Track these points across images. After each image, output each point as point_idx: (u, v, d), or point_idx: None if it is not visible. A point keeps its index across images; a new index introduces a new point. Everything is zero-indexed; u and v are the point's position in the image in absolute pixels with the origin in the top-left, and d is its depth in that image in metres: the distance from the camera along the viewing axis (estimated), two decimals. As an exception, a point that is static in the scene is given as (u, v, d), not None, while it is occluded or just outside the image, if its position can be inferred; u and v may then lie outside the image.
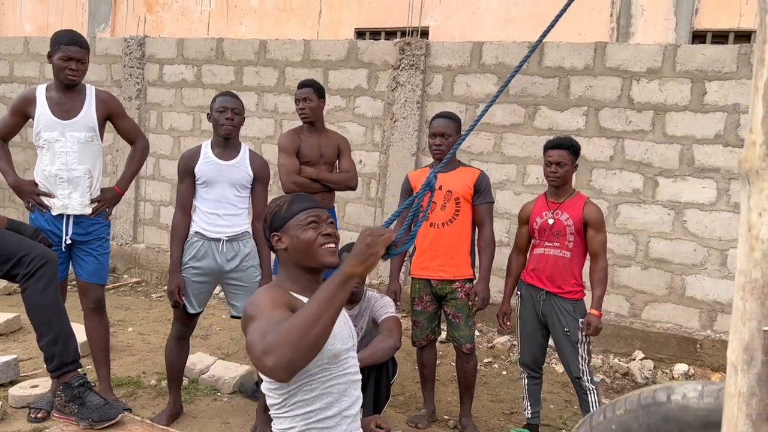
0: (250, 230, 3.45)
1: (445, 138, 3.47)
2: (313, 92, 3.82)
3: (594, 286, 3.30)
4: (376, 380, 3.17)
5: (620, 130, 4.94)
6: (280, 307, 1.65)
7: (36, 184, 3.34)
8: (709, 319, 4.78)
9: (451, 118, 3.56)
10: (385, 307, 3.34)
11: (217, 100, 3.42)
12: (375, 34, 6.08)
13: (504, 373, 4.61)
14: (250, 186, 3.46)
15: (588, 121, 5.02)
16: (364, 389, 3.16)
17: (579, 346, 3.24)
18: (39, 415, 3.22)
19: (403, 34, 5.82)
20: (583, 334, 3.23)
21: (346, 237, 5.85)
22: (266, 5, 6.45)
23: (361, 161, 5.68)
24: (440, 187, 3.48)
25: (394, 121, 5.59)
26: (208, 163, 3.38)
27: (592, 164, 5.02)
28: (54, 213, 3.32)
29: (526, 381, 3.50)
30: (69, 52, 3.22)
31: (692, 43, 5.57)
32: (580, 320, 3.24)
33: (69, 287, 3.80)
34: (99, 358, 3.51)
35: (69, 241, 3.35)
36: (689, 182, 4.80)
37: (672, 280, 4.88)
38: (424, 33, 6.36)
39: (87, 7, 7.21)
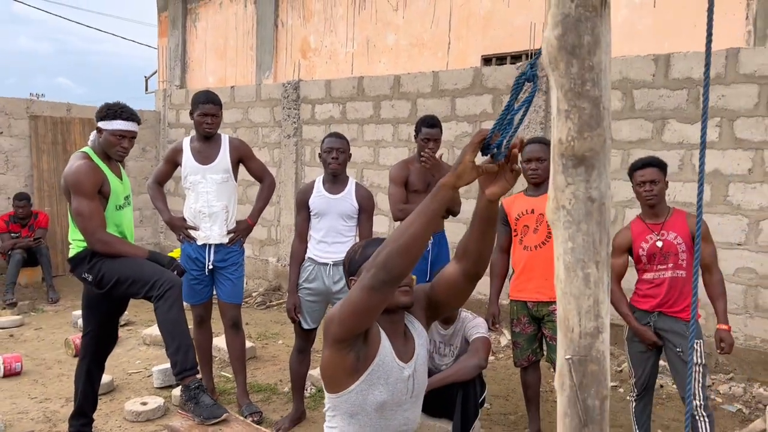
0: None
1: (541, 162, 3.55)
2: (440, 133, 4.11)
3: (715, 300, 3.24)
4: (464, 399, 3.33)
5: (759, 141, 4.54)
6: None
7: (185, 220, 4.02)
8: None
9: (544, 142, 3.63)
10: (477, 328, 3.49)
11: (325, 141, 3.85)
12: (501, 59, 6.20)
13: (628, 398, 4.44)
14: (356, 216, 3.83)
15: (722, 133, 4.68)
16: (452, 408, 3.35)
17: (694, 368, 3.13)
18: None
19: (528, 56, 5.87)
20: (718, 352, 3.18)
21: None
22: (400, 42, 6.89)
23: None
24: (532, 211, 3.57)
25: (519, 144, 5.65)
26: (319, 197, 3.82)
27: (728, 178, 4.66)
28: (199, 243, 3.98)
29: (633, 404, 3.45)
30: (205, 110, 3.87)
31: None
32: (698, 341, 3.15)
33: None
34: (236, 367, 4.09)
35: (211, 266, 3.99)
36: None
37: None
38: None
39: (254, 59, 8.23)
